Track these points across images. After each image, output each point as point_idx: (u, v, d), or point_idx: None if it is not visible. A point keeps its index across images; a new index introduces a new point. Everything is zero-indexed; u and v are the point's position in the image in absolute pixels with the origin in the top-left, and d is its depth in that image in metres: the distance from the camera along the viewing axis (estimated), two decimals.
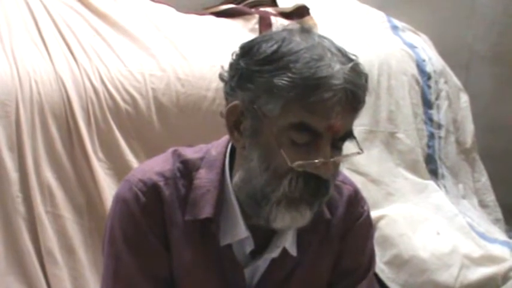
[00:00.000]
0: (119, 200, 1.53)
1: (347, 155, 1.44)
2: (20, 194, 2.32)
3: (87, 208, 2.41)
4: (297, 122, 1.37)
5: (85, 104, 2.42)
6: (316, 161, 1.38)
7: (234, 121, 1.45)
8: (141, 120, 2.48)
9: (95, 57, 2.50)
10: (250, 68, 1.40)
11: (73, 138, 2.40)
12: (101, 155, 2.42)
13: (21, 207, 2.32)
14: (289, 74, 1.35)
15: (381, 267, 2.63)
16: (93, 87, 2.43)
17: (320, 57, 1.36)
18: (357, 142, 1.45)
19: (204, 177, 1.51)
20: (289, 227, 1.47)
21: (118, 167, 2.42)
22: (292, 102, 1.36)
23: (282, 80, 1.35)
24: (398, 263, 2.66)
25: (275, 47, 1.38)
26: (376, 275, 2.56)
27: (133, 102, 2.47)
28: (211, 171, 1.51)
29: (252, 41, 1.44)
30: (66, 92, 2.40)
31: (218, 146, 1.55)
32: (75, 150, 2.40)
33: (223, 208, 1.50)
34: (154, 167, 1.54)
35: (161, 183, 1.51)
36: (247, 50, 1.42)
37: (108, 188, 2.38)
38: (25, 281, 2.30)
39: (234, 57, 1.45)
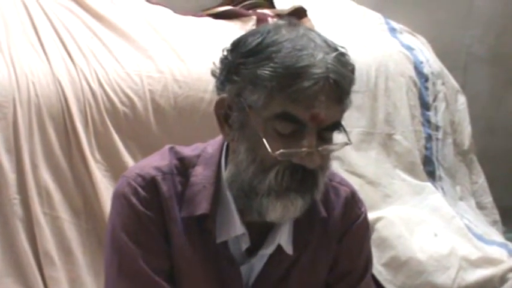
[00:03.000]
0: (118, 195, 1.53)
1: (333, 145, 1.44)
2: (18, 196, 2.32)
3: (84, 209, 2.41)
4: (280, 112, 1.37)
5: (82, 106, 2.42)
6: (301, 150, 1.38)
7: (223, 115, 1.46)
8: (139, 122, 2.48)
9: (92, 59, 2.50)
10: (236, 61, 1.41)
11: (70, 139, 2.40)
12: (98, 156, 2.42)
13: (18, 209, 2.32)
14: (272, 64, 1.36)
15: (379, 269, 2.63)
16: (91, 89, 2.43)
17: (303, 47, 1.37)
18: (346, 133, 1.44)
19: (200, 174, 1.52)
20: (282, 217, 1.46)
21: (115, 168, 2.42)
22: (275, 92, 1.36)
23: (264, 71, 1.36)
24: (395, 264, 2.66)
25: (260, 39, 1.39)
26: (373, 276, 2.56)
27: (131, 104, 2.47)
28: (207, 168, 1.52)
29: (241, 36, 1.46)
30: (63, 93, 2.40)
31: (214, 143, 1.55)
32: (72, 151, 2.40)
33: (219, 205, 1.51)
34: (151, 162, 1.55)
35: (159, 178, 1.51)
36: (235, 45, 1.44)
37: (106, 190, 2.38)
38: (23, 282, 2.30)
39: (224, 52, 1.46)
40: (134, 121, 2.47)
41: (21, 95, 2.35)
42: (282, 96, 1.36)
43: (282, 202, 1.43)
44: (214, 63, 1.49)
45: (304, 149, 1.38)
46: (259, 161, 1.41)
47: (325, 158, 1.44)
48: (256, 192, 1.43)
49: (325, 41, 1.41)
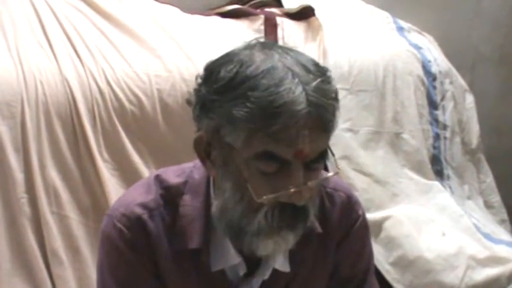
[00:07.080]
0: (104, 236, 1.51)
1: (321, 178, 1.39)
2: (26, 195, 2.32)
3: (92, 209, 2.41)
4: (261, 152, 1.29)
5: (90, 105, 2.42)
6: (288, 190, 1.31)
7: (204, 150, 1.40)
8: (147, 121, 2.48)
9: (100, 58, 2.49)
10: (210, 97, 1.33)
11: (78, 139, 2.40)
12: (106, 155, 2.42)
13: (26, 208, 2.32)
14: (248, 104, 1.27)
15: (386, 268, 2.63)
16: (99, 88, 2.43)
17: (280, 80, 1.28)
18: (335, 160, 1.40)
19: (189, 205, 1.47)
20: (273, 253, 1.42)
21: (123, 167, 2.43)
22: (254, 132, 1.28)
23: (240, 111, 1.28)
24: (403, 264, 2.65)
25: (233, 72, 1.30)
26: (381, 275, 2.56)
27: (139, 103, 2.47)
28: (195, 197, 1.47)
29: (214, 63, 1.37)
30: (71, 92, 2.40)
31: (200, 167, 1.47)
32: (80, 151, 2.40)
33: (211, 235, 1.46)
34: (136, 198, 1.50)
35: (145, 216, 1.47)
36: (208, 75, 1.36)
37: (114, 189, 2.38)
38: (30, 281, 2.30)
39: (197, 81, 1.38)
40: (142, 120, 2.47)
41: (29, 94, 2.35)
42: (262, 135, 1.28)
43: (273, 239, 1.37)
44: (189, 93, 1.42)
45: (291, 189, 1.31)
46: (247, 201, 1.35)
47: (314, 190, 1.38)
48: (245, 232, 1.37)
49: (304, 65, 1.31)
